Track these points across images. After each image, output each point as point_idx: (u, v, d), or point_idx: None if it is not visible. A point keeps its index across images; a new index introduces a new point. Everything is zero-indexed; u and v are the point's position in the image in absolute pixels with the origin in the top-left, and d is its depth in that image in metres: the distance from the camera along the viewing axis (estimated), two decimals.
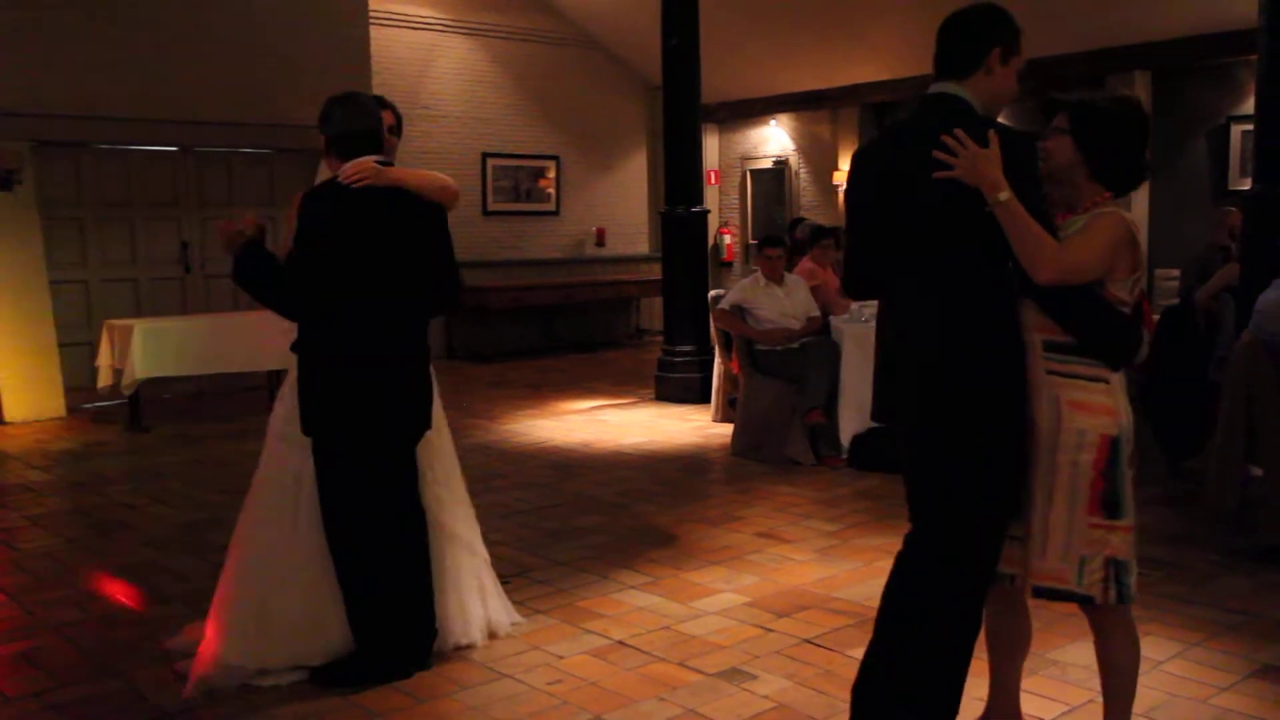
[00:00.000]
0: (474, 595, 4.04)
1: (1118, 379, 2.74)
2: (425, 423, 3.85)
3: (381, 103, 3.95)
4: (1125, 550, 2.74)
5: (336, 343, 3.64)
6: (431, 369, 3.92)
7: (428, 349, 3.87)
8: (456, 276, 3.89)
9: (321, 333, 3.65)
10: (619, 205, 15.27)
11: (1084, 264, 2.69)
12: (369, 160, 3.64)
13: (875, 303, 3.09)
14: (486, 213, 13.76)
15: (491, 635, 4.06)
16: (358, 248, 3.64)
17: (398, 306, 3.72)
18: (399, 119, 4.07)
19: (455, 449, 4.20)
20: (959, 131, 2.67)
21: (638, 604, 4.48)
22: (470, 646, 3.96)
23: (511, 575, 4.76)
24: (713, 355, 9.58)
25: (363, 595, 3.70)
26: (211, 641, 3.67)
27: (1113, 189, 2.81)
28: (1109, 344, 2.73)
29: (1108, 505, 2.72)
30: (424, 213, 3.73)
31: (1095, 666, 3.71)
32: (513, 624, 4.17)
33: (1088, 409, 2.71)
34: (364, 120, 3.71)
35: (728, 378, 8.16)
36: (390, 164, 3.77)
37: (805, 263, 8.34)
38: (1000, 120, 2.84)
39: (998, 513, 2.78)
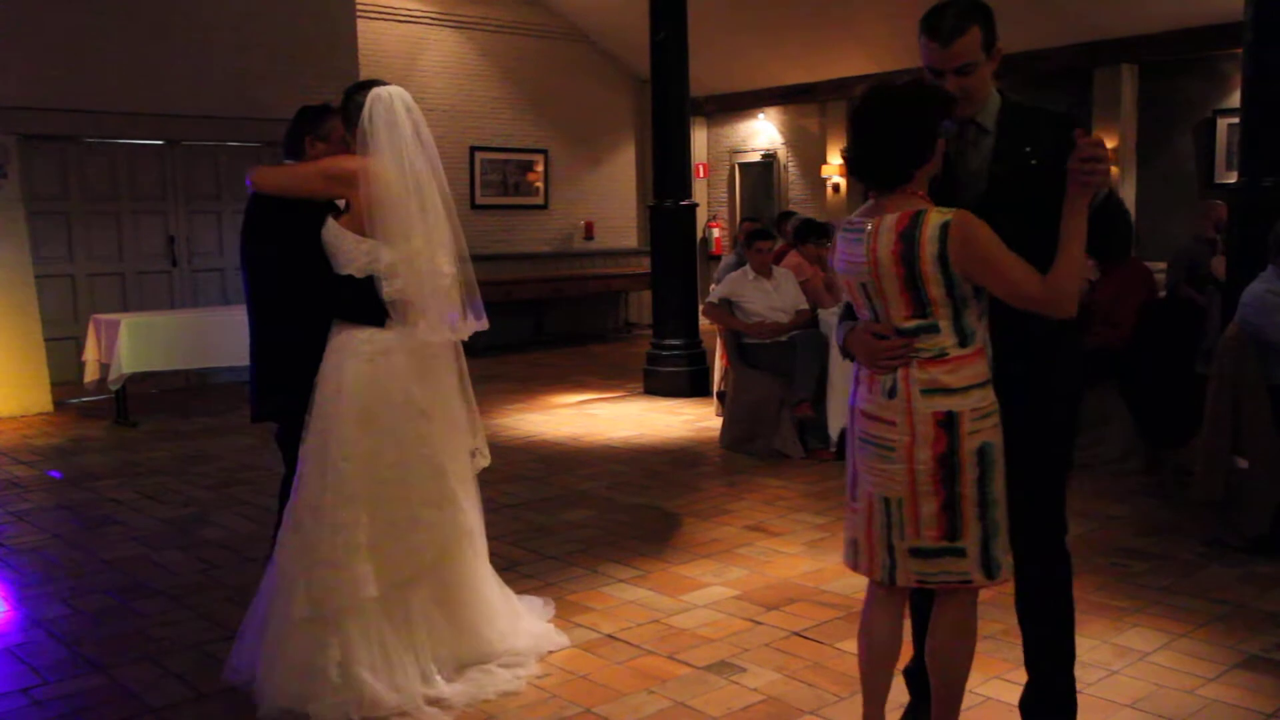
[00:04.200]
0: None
1: None
2: (265, 408, 4.03)
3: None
4: None
5: None
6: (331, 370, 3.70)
7: (295, 341, 3.78)
8: (305, 282, 3.76)
9: None
10: (607, 199, 15.26)
11: None
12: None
13: None
14: (474, 206, 13.73)
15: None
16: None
17: (255, 298, 3.99)
18: (345, 120, 3.77)
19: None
20: None
21: (627, 597, 4.48)
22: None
23: (500, 570, 4.76)
24: (702, 349, 9.61)
25: None
26: None
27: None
28: None
29: None
30: (269, 211, 3.83)
31: (1082, 658, 3.73)
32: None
33: None
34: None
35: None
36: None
37: (793, 256, 8.34)
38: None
39: None
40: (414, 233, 3.61)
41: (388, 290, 3.60)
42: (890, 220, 2.68)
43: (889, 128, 2.71)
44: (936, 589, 2.82)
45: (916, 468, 2.71)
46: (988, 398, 2.71)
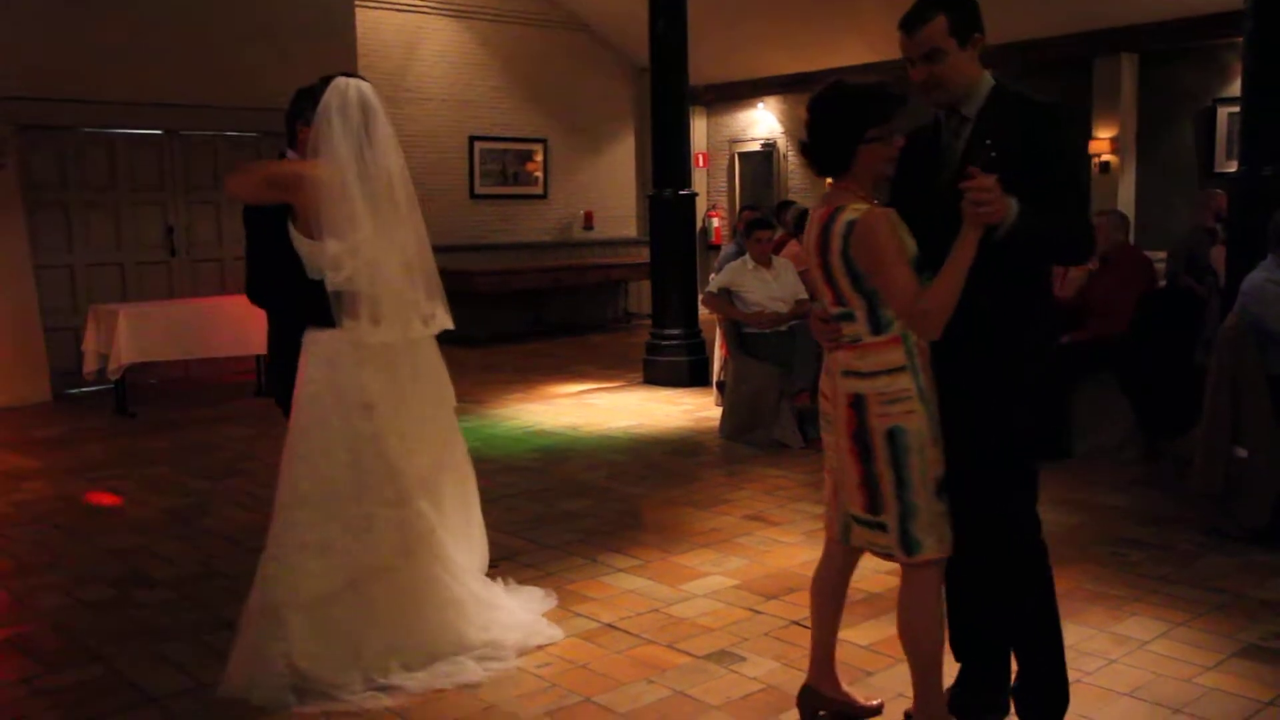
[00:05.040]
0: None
1: None
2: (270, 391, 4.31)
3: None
4: None
5: None
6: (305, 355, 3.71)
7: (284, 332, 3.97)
8: (250, 278, 4.11)
9: None
10: (607, 188, 15.25)
11: None
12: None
13: None
14: (474, 196, 13.73)
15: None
16: None
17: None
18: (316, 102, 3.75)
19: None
20: None
21: (626, 587, 4.49)
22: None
23: (500, 559, 4.77)
24: (701, 339, 9.61)
25: None
26: None
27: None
28: None
29: None
30: (249, 214, 4.02)
31: (1080, 646, 3.75)
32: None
33: None
34: None
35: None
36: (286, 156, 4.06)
37: (793, 246, 8.34)
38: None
39: None
40: (361, 224, 3.56)
41: (333, 280, 3.56)
42: (818, 214, 2.91)
43: (816, 125, 2.93)
44: (892, 562, 3.00)
45: (840, 441, 2.95)
46: (897, 384, 2.84)
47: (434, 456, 3.82)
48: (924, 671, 2.98)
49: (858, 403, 2.88)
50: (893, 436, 2.83)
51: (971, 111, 2.90)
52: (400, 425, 3.67)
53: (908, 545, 2.88)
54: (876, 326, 2.86)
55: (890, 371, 2.84)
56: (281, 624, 3.50)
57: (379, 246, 3.59)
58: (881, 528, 2.92)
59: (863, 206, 2.82)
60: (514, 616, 3.95)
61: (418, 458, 3.71)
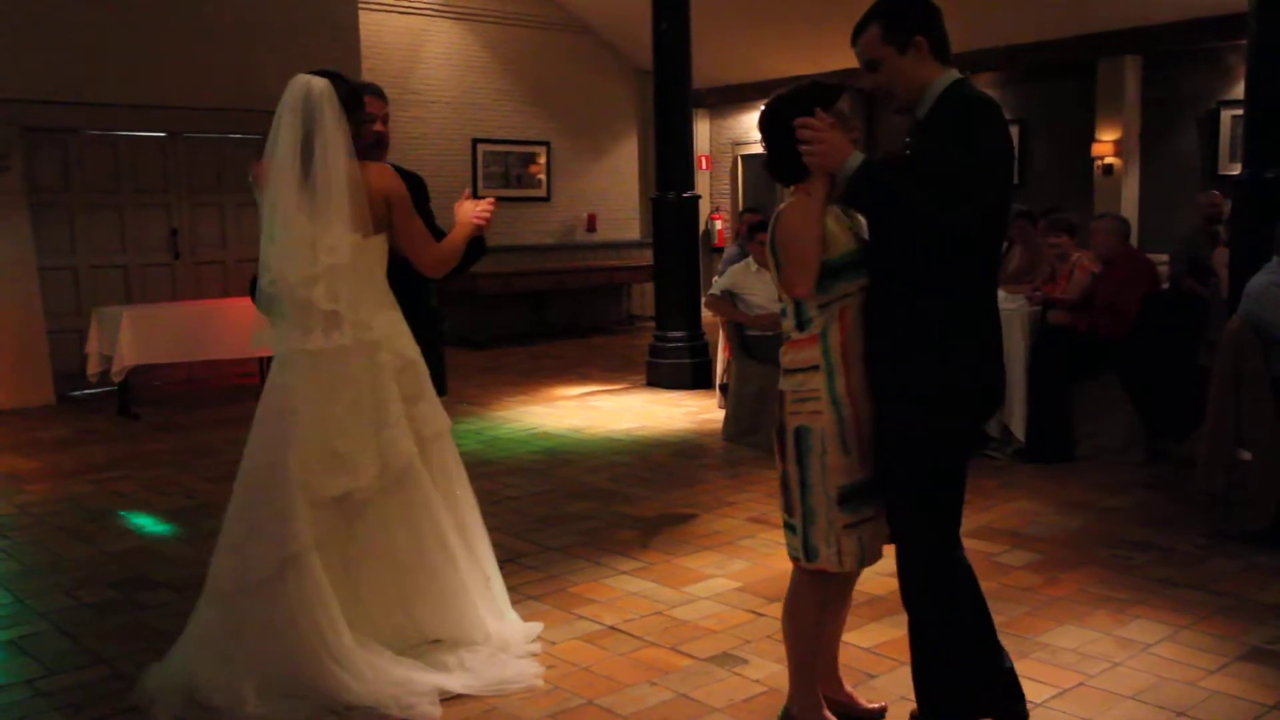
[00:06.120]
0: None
1: None
2: None
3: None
4: None
5: None
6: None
7: None
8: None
9: None
10: (610, 191, 15.25)
11: None
12: None
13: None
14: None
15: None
16: None
17: None
18: None
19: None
20: None
21: (629, 589, 4.49)
22: None
23: (503, 561, 4.76)
24: (704, 341, 9.61)
25: None
26: None
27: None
28: None
29: None
30: None
31: (1084, 650, 3.75)
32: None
33: None
34: None
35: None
36: None
37: None
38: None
39: None
40: (291, 225, 3.45)
41: (261, 282, 3.51)
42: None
43: (769, 131, 2.97)
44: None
45: (775, 438, 2.99)
46: (809, 383, 2.86)
47: (351, 481, 3.51)
48: (792, 663, 3.08)
49: (780, 399, 2.93)
50: (799, 435, 2.87)
51: (924, 114, 2.87)
52: (308, 439, 3.47)
53: (807, 550, 2.92)
54: (800, 323, 2.90)
55: (805, 370, 2.87)
56: (197, 614, 3.56)
57: (301, 248, 3.45)
58: (792, 529, 2.96)
59: (795, 200, 2.88)
60: (373, 685, 3.37)
61: (317, 477, 3.46)
